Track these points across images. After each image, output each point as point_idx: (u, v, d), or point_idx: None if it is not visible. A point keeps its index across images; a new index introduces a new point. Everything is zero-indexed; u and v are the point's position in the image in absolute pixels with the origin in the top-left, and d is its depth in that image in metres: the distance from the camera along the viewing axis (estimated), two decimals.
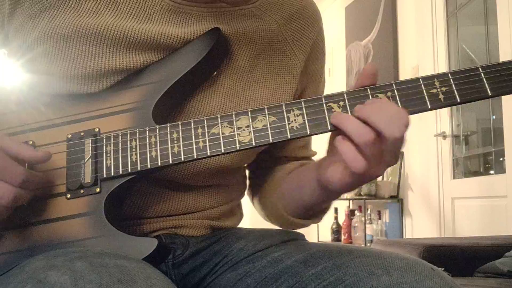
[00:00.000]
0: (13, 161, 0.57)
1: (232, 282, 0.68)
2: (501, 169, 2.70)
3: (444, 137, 3.07)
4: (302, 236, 0.76)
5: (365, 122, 0.56)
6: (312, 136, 0.83)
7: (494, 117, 2.78)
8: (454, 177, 3.04)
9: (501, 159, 2.71)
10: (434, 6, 3.18)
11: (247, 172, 0.86)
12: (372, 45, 3.78)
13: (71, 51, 0.65)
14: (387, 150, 0.56)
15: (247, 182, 0.86)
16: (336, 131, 0.59)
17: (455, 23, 3.10)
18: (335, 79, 4.34)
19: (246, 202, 0.86)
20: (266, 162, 0.81)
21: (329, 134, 0.63)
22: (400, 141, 0.56)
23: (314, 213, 0.75)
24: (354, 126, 0.56)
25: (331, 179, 0.61)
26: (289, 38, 0.75)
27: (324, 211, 0.76)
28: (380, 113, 0.56)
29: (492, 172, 2.89)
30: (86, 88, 0.66)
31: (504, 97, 2.49)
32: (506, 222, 2.47)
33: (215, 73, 0.70)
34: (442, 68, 3.09)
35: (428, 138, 3.14)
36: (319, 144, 0.86)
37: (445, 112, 3.08)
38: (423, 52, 3.22)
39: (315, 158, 0.83)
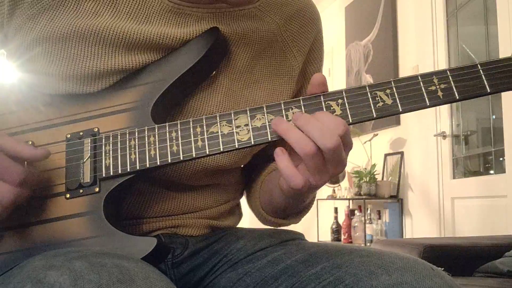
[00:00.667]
0: (12, 161, 0.57)
1: (232, 282, 0.68)
2: (501, 169, 2.70)
3: (444, 137, 3.07)
4: (301, 236, 0.76)
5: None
6: None
7: (494, 117, 2.79)
8: (454, 177, 3.04)
9: (501, 159, 2.71)
10: (434, 6, 3.18)
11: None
12: (372, 45, 3.78)
13: (70, 51, 0.65)
14: (328, 160, 0.57)
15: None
16: None
17: (455, 23, 3.10)
18: (335, 79, 4.34)
19: (245, 201, 0.86)
20: (257, 160, 0.81)
21: None
22: (335, 151, 0.55)
23: (288, 214, 0.75)
24: (296, 137, 0.56)
25: (282, 184, 0.62)
26: (288, 39, 0.75)
27: (301, 212, 0.76)
28: (313, 122, 0.56)
29: (492, 172, 2.89)
30: (85, 88, 0.66)
31: (504, 97, 2.50)
32: (506, 222, 2.47)
33: (214, 73, 0.70)
34: (442, 67, 3.08)
35: (428, 138, 3.15)
36: None
37: (445, 111, 3.08)
38: (423, 52, 3.22)
39: None
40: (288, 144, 0.58)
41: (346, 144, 0.57)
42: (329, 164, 0.57)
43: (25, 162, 0.59)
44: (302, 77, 0.79)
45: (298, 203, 0.70)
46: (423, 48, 3.22)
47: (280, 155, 0.58)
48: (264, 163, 0.80)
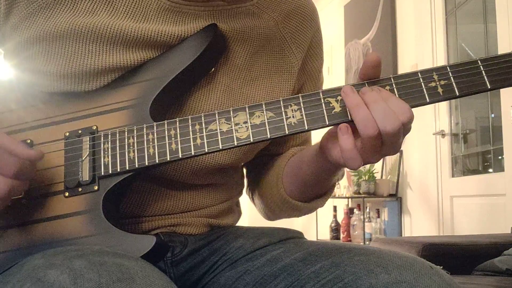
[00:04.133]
0: (6, 153, 0.57)
1: (231, 280, 0.68)
2: (499, 168, 2.70)
3: (443, 135, 3.07)
4: (300, 234, 0.76)
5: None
6: (312, 133, 0.83)
7: (493, 115, 2.79)
8: (453, 176, 3.05)
9: (499, 157, 2.71)
10: (433, 4, 3.18)
11: (244, 171, 0.86)
12: (371, 43, 3.78)
13: (67, 49, 0.65)
14: (385, 143, 0.56)
15: (245, 181, 0.86)
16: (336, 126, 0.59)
17: (454, 21, 3.10)
18: (334, 77, 4.34)
19: (244, 200, 0.86)
20: (264, 158, 0.81)
21: (325, 129, 0.62)
22: (394, 136, 0.55)
23: (315, 194, 0.74)
24: (362, 116, 0.56)
25: (331, 151, 0.61)
26: (287, 36, 0.75)
27: (326, 194, 0.75)
28: (379, 103, 0.56)
29: (490, 170, 2.89)
30: (83, 86, 0.66)
31: (502, 95, 2.50)
32: (504, 220, 2.47)
33: (212, 70, 0.70)
34: None
35: (427, 137, 3.15)
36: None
37: (444, 110, 3.08)
38: (422, 50, 3.22)
39: None
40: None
41: (405, 130, 0.57)
42: (385, 146, 0.57)
43: None
44: (304, 74, 0.78)
45: (328, 175, 0.69)
46: (422, 47, 3.21)
47: (345, 133, 0.57)
48: (276, 158, 0.79)
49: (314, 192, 0.74)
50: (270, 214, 0.81)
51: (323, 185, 0.73)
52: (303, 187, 0.72)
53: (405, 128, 0.57)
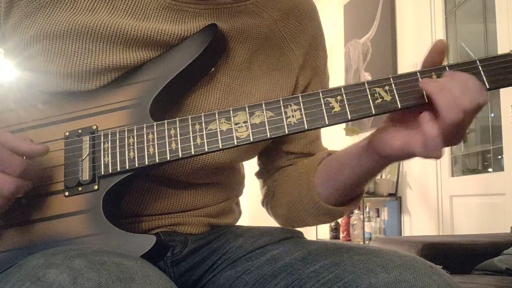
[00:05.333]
0: (11, 152, 0.57)
1: (231, 279, 0.68)
2: (499, 167, 2.70)
3: None
4: (300, 234, 0.76)
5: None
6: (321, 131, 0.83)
7: (492, 115, 2.79)
8: (452, 175, 3.05)
9: (499, 157, 2.71)
10: (433, 4, 3.18)
11: (255, 180, 0.85)
12: (370, 43, 3.78)
13: (67, 49, 0.65)
14: (457, 132, 0.55)
15: (262, 192, 0.84)
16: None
17: (453, 21, 3.10)
18: (334, 77, 4.33)
19: (244, 199, 0.85)
20: (279, 162, 0.80)
21: (325, 129, 0.62)
22: (459, 126, 0.54)
23: (352, 196, 0.73)
24: (448, 101, 0.54)
25: (392, 143, 0.60)
26: (286, 35, 0.75)
27: (360, 196, 0.74)
28: (459, 86, 0.55)
29: (490, 170, 2.89)
30: (83, 86, 0.66)
31: (502, 95, 2.50)
32: (504, 219, 2.47)
33: (212, 69, 0.70)
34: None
35: None
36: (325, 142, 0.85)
37: None
38: (422, 50, 3.20)
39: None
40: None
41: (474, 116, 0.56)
42: (455, 135, 0.56)
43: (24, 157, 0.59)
44: (310, 70, 0.78)
45: (371, 178, 0.68)
46: (422, 46, 3.21)
47: (431, 120, 0.55)
48: (289, 163, 0.79)
49: (350, 195, 0.73)
50: (296, 221, 0.78)
51: (361, 187, 0.72)
52: (343, 190, 0.71)
53: (477, 111, 0.55)
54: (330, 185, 0.71)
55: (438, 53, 0.59)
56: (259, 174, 0.84)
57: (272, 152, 0.79)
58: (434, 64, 0.60)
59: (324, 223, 0.76)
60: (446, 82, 0.56)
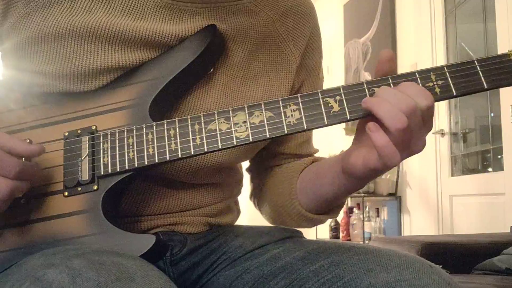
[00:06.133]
0: (7, 154, 0.57)
1: (230, 279, 0.68)
2: (499, 167, 2.71)
3: (443, 134, 3.07)
4: (300, 233, 0.76)
5: None
6: (312, 135, 0.83)
7: (492, 114, 2.79)
8: (452, 175, 3.05)
9: (499, 156, 2.71)
10: (433, 3, 3.18)
11: (248, 176, 0.85)
12: (370, 43, 3.78)
13: (65, 49, 0.65)
14: (415, 138, 0.56)
15: (250, 187, 0.86)
16: (332, 125, 0.59)
17: (453, 21, 3.10)
18: (334, 76, 4.34)
19: (243, 199, 0.86)
20: (268, 161, 0.81)
21: (325, 128, 0.62)
22: (407, 131, 0.55)
23: (332, 207, 0.74)
24: (386, 110, 0.55)
25: (355, 164, 0.60)
26: (284, 34, 0.75)
27: (341, 205, 0.76)
28: (399, 95, 0.55)
29: (490, 169, 2.89)
30: (82, 87, 0.66)
31: (502, 95, 2.50)
32: (504, 219, 2.47)
33: (211, 70, 0.70)
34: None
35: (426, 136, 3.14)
36: (318, 143, 0.85)
37: (443, 109, 3.08)
38: (422, 50, 3.22)
39: (317, 155, 0.83)
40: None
41: (427, 119, 0.57)
42: (414, 142, 0.56)
43: (23, 159, 0.59)
44: (304, 71, 0.78)
45: (350, 192, 0.68)
46: (422, 46, 3.22)
47: (376, 131, 0.55)
48: (277, 163, 0.79)
49: (329, 206, 0.74)
50: (279, 222, 0.80)
51: (340, 200, 0.73)
52: (321, 201, 0.72)
53: (424, 114, 0.56)
54: (309, 195, 0.73)
55: (386, 62, 0.60)
56: (249, 169, 0.86)
57: (263, 151, 0.79)
58: (386, 74, 0.60)
59: (306, 227, 0.77)
60: (383, 94, 0.57)
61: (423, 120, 0.56)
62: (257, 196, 0.84)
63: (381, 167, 0.58)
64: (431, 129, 0.58)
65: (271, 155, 0.80)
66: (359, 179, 0.63)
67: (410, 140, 0.56)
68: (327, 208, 0.74)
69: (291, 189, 0.74)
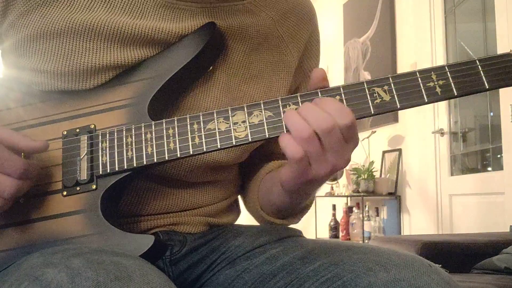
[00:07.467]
0: (12, 153, 0.57)
1: (230, 279, 0.68)
2: (498, 166, 2.71)
3: (442, 134, 3.07)
4: (299, 233, 0.76)
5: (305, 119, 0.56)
6: None
7: (492, 114, 2.79)
8: (451, 174, 3.05)
9: (498, 156, 2.71)
10: (432, 2, 3.18)
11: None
12: (370, 42, 3.78)
13: (64, 47, 0.65)
14: (327, 149, 0.56)
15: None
16: None
17: (453, 20, 3.10)
18: (333, 76, 4.34)
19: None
20: (255, 158, 0.81)
21: None
22: (330, 135, 0.55)
23: (287, 214, 0.75)
24: (293, 121, 0.57)
25: (282, 176, 0.62)
26: (284, 35, 0.75)
27: (300, 212, 0.76)
28: (312, 108, 0.57)
29: (489, 169, 2.89)
30: (81, 85, 0.65)
31: (501, 94, 2.50)
32: (503, 218, 2.47)
33: (210, 68, 0.69)
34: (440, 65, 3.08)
35: (426, 135, 3.15)
36: None
37: (443, 109, 3.08)
38: (421, 49, 3.22)
39: None
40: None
41: (349, 137, 0.57)
42: (328, 153, 0.56)
43: (22, 154, 0.59)
44: (301, 73, 0.78)
45: (296, 203, 0.70)
46: (421, 45, 3.21)
47: (288, 145, 0.57)
48: (262, 161, 0.80)
49: (286, 214, 0.75)
50: (259, 221, 0.81)
51: (297, 207, 0.74)
52: (277, 209, 0.73)
53: (347, 134, 0.56)
54: (267, 202, 0.74)
55: (320, 80, 0.60)
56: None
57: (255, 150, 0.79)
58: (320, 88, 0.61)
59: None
60: (300, 108, 0.58)
61: (344, 138, 0.56)
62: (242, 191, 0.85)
63: (293, 171, 0.59)
64: (356, 145, 0.58)
65: (260, 153, 0.80)
66: (296, 193, 0.64)
67: (323, 151, 0.56)
68: (283, 215, 0.75)
69: (256, 191, 0.77)
